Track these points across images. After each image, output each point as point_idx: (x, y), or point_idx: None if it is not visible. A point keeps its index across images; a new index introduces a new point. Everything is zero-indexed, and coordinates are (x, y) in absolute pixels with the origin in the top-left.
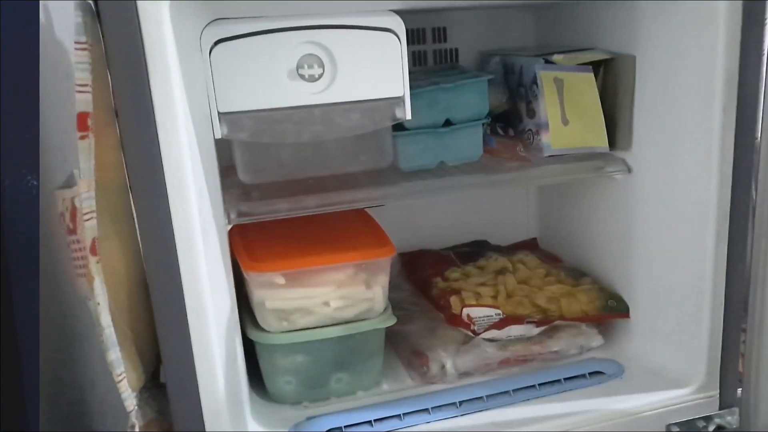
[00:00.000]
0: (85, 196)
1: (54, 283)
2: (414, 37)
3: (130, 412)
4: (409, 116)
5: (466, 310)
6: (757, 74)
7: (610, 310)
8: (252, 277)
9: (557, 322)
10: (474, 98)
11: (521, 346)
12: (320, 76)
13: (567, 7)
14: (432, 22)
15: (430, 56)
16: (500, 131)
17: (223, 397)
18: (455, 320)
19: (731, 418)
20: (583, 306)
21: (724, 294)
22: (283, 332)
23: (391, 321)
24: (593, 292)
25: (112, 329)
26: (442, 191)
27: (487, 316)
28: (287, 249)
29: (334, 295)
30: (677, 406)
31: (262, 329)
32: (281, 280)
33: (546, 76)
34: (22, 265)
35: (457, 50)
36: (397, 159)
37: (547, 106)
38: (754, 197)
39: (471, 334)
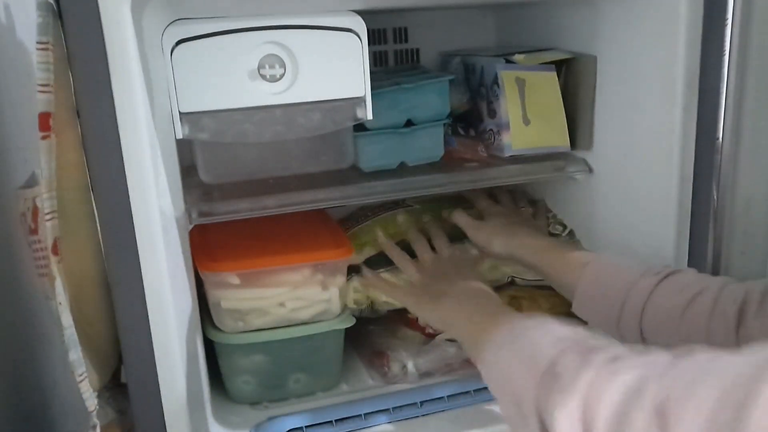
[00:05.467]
0: (47, 196)
1: (15, 284)
2: (375, 37)
3: (92, 412)
4: (370, 116)
5: None
6: (718, 74)
7: (572, 317)
8: (207, 277)
9: None
10: (435, 98)
11: None
12: (281, 76)
13: (528, 8)
14: (393, 23)
15: (391, 56)
16: (461, 131)
17: (184, 398)
18: (412, 321)
19: None
20: (545, 312)
21: None
22: (240, 332)
23: (350, 322)
24: (556, 299)
25: (74, 329)
26: (402, 192)
27: None
28: (244, 249)
29: (289, 295)
30: None
31: (221, 329)
32: (235, 281)
33: (507, 76)
34: None
35: (418, 50)
36: (358, 159)
37: (508, 106)
38: (715, 197)
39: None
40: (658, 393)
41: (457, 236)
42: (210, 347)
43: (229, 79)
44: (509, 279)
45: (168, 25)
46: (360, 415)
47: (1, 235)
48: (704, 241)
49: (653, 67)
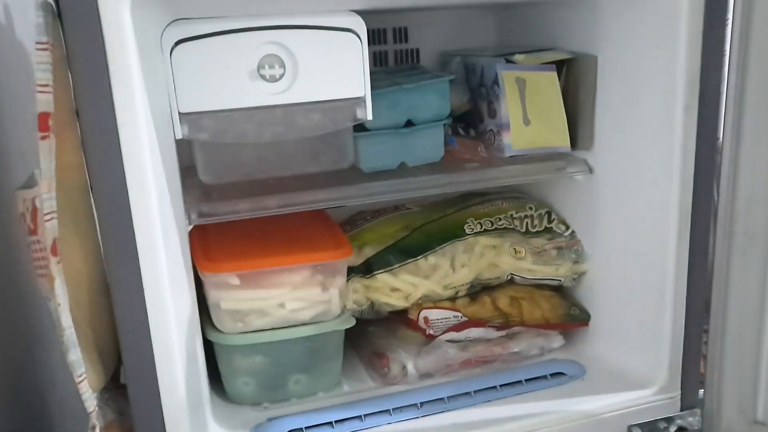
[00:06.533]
0: (46, 196)
1: (14, 284)
2: (375, 37)
3: (91, 413)
4: (370, 117)
5: (423, 313)
6: (719, 74)
7: (572, 319)
8: (207, 278)
9: (517, 328)
10: (435, 99)
11: (482, 347)
12: (281, 76)
13: (528, 8)
14: (393, 23)
15: (391, 56)
16: (461, 132)
17: (184, 399)
18: (412, 322)
19: (693, 419)
20: (545, 313)
21: (686, 295)
22: (240, 333)
23: (350, 323)
24: (555, 299)
25: (73, 330)
26: (402, 192)
27: (445, 319)
28: (244, 250)
29: (289, 296)
30: (639, 407)
31: (220, 330)
32: (236, 281)
33: (507, 76)
34: None
35: (418, 51)
36: (358, 160)
37: (509, 106)
38: (716, 197)
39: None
40: None
41: (453, 233)
42: (210, 348)
43: (229, 79)
44: (509, 277)
45: (167, 25)
46: (360, 416)
47: (0, 235)
48: (705, 241)
49: (654, 67)
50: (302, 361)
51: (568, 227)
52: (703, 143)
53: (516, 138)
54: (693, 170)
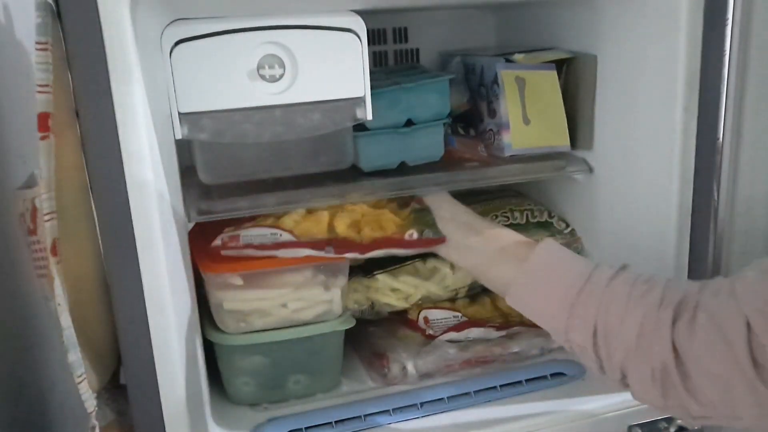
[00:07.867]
0: (46, 196)
1: (14, 285)
2: (375, 37)
3: (91, 413)
4: (370, 116)
5: (423, 313)
6: (719, 74)
7: None
8: (209, 278)
9: (517, 328)
10: (435, 98)
11: (482, 347)
12: (281, 76)
13: (528, 8)
14: (393, 23)
15: (391, 56)
16: (461, 131)
17: (184, 399)
18: (412, 322)
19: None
20: None
21: None
22: (240, 333)
23: (350, 323)
24: None
25: (72, 330)
26: (402, 191)
27: (445, 319)
28: None
29: (291, 296)
30: (639, 407)
31: (221, 330)
32: (238, 281)
33: (507, 75)
34: None
35: (418, 50)
36: (358, 159)
37: (508, 106)
38: (715, 198)
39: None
40: None
41: None
42: (209, 348)
43: (229, 79)
44: None
45: (167, 25)
46: (360, 417)
47: (0, 235)
48: (705, 241)
49: (654, 67)
50: (302, 361)
51: (567, 225)
52: (703, 143)
53: (516, 137)
54: (693, 170)
